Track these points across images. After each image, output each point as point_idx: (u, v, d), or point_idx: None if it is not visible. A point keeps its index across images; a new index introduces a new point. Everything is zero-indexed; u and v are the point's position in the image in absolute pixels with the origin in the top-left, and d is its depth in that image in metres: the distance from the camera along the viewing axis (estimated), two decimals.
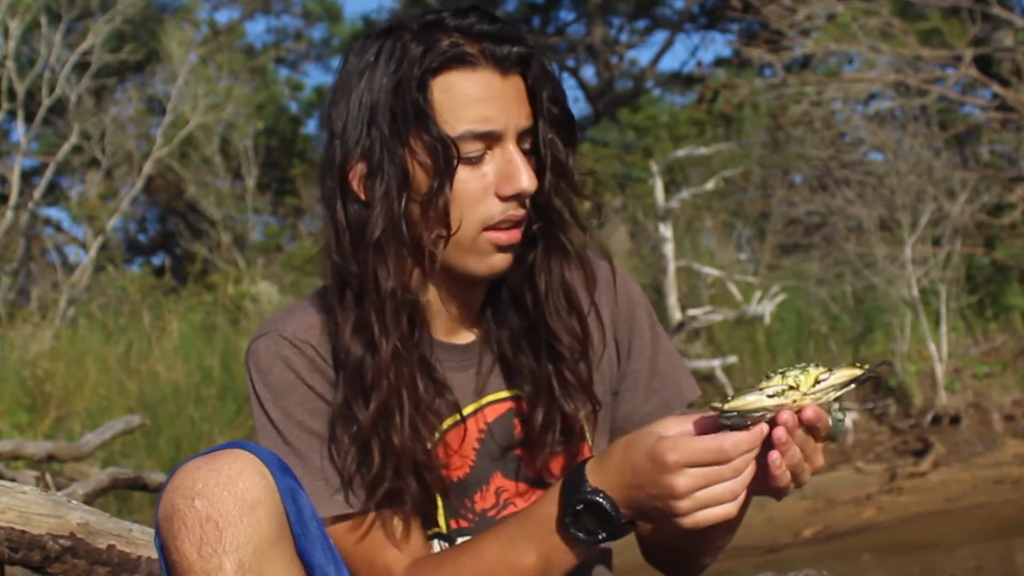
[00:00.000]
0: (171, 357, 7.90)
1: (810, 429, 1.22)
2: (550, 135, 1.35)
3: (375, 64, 1.32)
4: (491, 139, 1.32)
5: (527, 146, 1.35)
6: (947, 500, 6.30)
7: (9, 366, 7.77)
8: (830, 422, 1.24)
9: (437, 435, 1.39)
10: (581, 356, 1.40)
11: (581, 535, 1.24)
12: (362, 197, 1.33)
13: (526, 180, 1.32)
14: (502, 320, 1.42)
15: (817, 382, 1.20)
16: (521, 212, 1.34)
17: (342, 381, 1.34)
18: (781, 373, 1.20)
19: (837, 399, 1.24)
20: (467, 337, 1.43)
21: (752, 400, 1.18)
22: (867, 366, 1.23)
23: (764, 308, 7.68)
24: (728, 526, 1.31)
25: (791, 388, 1.19)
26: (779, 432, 1.19)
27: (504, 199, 1.33)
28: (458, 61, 1.30)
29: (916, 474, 6.73)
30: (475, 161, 1.32)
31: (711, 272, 8.41)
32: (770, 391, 1.18)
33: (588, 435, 1.44)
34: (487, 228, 1.33)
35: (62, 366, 7.66)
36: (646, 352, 1.49)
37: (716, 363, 7.62)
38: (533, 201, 1.36)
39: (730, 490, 1.18)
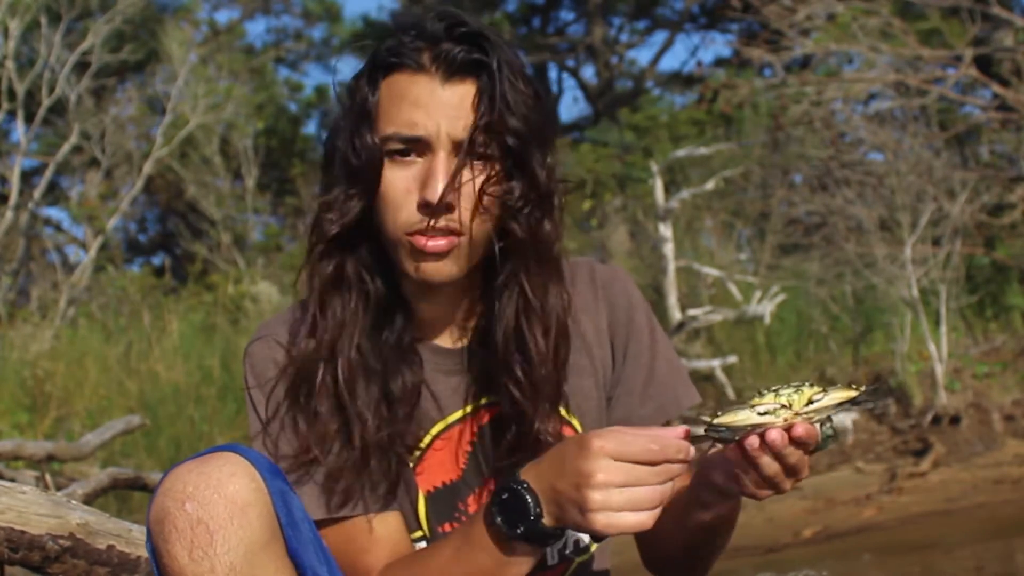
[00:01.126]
0: (171, 357, 7.90)
1: (799, 444, 1.20)
2: (490, 149, 1.32)
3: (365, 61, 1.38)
4: (420, 145, 1.32)
5: (477, 159, 1.32)
6: (947, 500, 6.30)
7: (9, 366, 7.77)
8: (819, 438, 1.22)
9: (428, 439, 1.40)
10: (548, 370, 1.38)
11: (503, 526, 1.22)
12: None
13: (434, 191, 1.30)
14: (493, 324, 1.41)
15: (811, 402, 1.18)
16: (443, 224, 1.32)
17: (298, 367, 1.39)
18: (775, 391, 1.18)
19: (828, 417, 1.22)
20: (458, 342, 1.44)
21: (742, 416, 1.17)
22: (863, 388, 1.21)
23: (764, 308, 7.67)
24: (725, 528, 1.31)
25: (783, 407, 1.17)
26: (752, 440, 1.18)
27: (418, 207, 1.32)
28: (406, 64, 1.32)
29: (916, 474, 6.72)
30: (405, 165, 1.33)
31: (711, 272, 8.41)
32: (761, 409, 1.17)
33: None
34: (408, 233, 1.33)
35: (62, 366, 7.66)
36: (644, 357, 1.48)
37: (716, 363, 7.62)
38: (514, 215, 1.34)
39: (648, 497, 1.15)
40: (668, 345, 1.52)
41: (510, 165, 1.33)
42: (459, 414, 1.42)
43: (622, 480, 1.14)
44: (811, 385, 1.20)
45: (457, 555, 1.27)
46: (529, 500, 1.20)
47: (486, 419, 1.43)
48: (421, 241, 1.32)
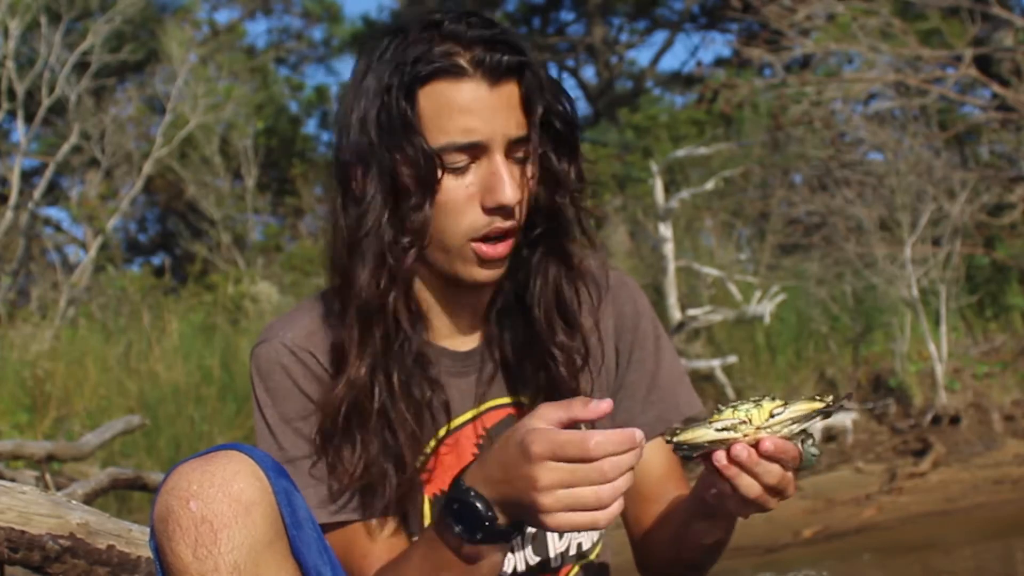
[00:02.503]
0: (171, 357, 7.90)
1: (774, 460, 1.18)
2: (543, 146, 1.34)
3: (374, 67, 1.32)
4: (476, 150, 1.31)
5: (521, 155, 1.33)
6: (947, 500, 6.30)
7: (9, 366, 7.77)
8: (802, 454, 1.21)
9: (433, 442, 1.40)
10: (571, 368, 1.39)
11: (463, 535, 1.22)
12: (358, 196, 1.34)
13: (507, 193, 1.31)
14: (505, 325, 1.42)
15: (772, 415, 1.17)
16: (508, 224, 1.33)
17: (340, 383, 1.35)
18: (733, 407, 1.17)
19: (804, 431, 1.19)
20: (469, 343, 1.43)
21: (700, 433, 1.16)
22: (829, 399, 1.18)
23: (764, 308, 7.67)
24: (718, 530, 1.31)
25: (743, 423, 1.16)
26: (719, 455, 1.17)
27: (487, 211, 1.32)
28: (446, 70, 1.29)
29: (916, 474, 6.72)
30: (461, 171, 1.31)
31: (711, 272, 8.40)
32: (719, 425, 1.16)
33: None
34: (473, 239, 1.33)
35: (62, 366, 7.66)
36: (648, 364, 1.49)
37: (716, 363, 7.62)
38: (536, 209, 1.36)
39: (595, 495, 1.13)
40: (672, 353, 1.52)
41: (563, 151, 1.36)
42: (468, 416, 1.42)
43: (567, 481, 1.13)
44: (772, 399, 1.18)
45: (426, 561, 1.27)
46: (480, 507, 1.20)
47: (493, 420, 1.43)
48: (486, 249, 1.33)
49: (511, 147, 1.32)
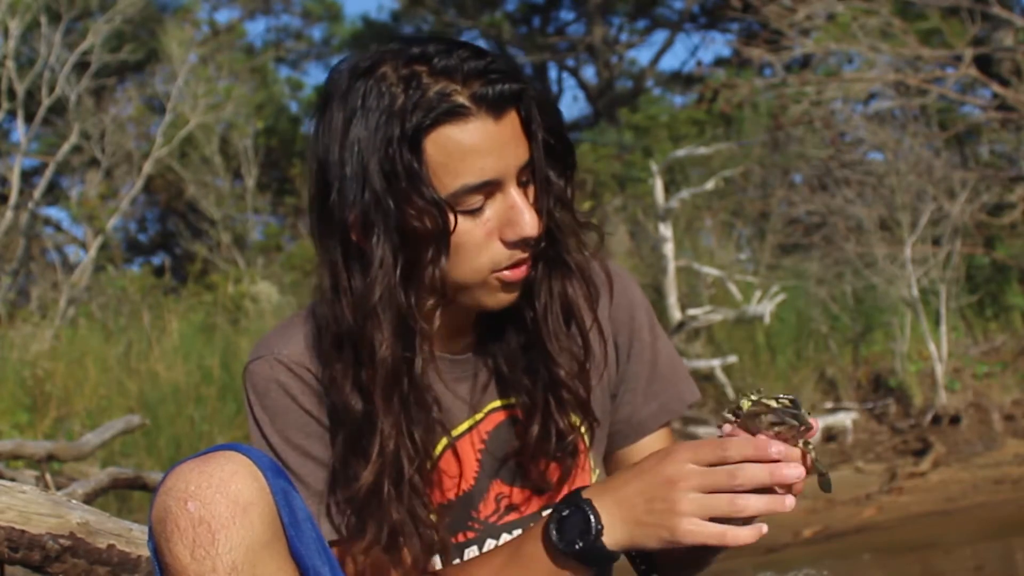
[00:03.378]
0: (171, 357, 7.90)
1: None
2: (547, 168, 1.32)
3: (361, 111, 1.25)
4: (491, 187, 1.28)
5: (525, 179, 1.31)
6: (947, 500, 6.30)
7: (9, 366, 7.77)
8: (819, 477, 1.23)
9: (438, 451, 1.39)
10: (579, 375, 1.39)
11: (559, 543, 1.23)
12: (362, 253, 1.28)
13: (529, 226, 1.28)
14: (498, 334, 1.41)
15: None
16: (527, 253, 1.32)
17: (341, 439, 1.32)
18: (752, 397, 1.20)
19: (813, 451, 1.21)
20: (463, 349, 1.42)
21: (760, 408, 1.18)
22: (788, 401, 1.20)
23: (764, 308, 7.67)
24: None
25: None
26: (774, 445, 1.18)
27: (509, 244, 1.30)
28: (449, 114, 1.24)
29: (916, 474, 6.73)
30: (476, 211, 1.28)
31: (711, 272, 8.40)
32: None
33: (585, 441, 1.44)
34: (495, 271, 1.31)
35: (62, 366, 7.66)
36: (646, 354, 1.48)
37: (716, 363, 7.62)
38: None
39: (731, 503, 1.17)
40: (668, 342, 1.52)
41: (560, 167, 1.34)
42: (469, 423, 1.42)
43: (705, 484, 1.17)
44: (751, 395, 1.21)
45: (504, 571, 1.28)
46: (592, 517, 1.22)
47: (493, 424, 1.43)
48: (509, 275, 1.31)
49: (519, 174, 1.30)
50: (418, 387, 1.32)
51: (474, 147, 1.25)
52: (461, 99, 1.25)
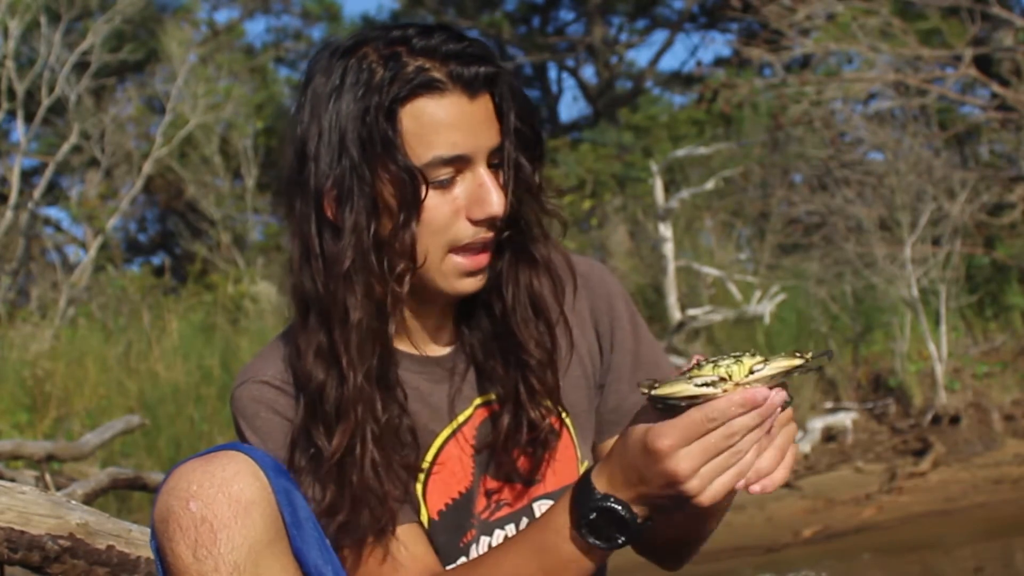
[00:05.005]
0: (171, 357, 7.90)
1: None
2: (515, 154, 1.34)
3: (341, 87, 1.30)
4: (461, 163, 1.31)
5: (496, 161, 1.34)
6: (947, 500, 6.30)
7: (9, 366, 7.77)
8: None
9: (432, 454, 1.39)
10: (548, 364, 1.40)
11: (599, 543, 1.24)
12: (334, 222, 1.31)
13: (496, 204, 1.31)
14: (474, 325, 1.42)
15: (751, 372, 1.16)
16: (491, 234, 1.34)
17: (302, 407, 1.33)
18: (713, 362, 1.17)
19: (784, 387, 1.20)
20: (441, 349, 1.43)
21: (679, 388, 1.16)
22: (808, 355, 1.18)
23: (764, 308, 7.68)
24: (718, 508, 1.31)
25: (723, 379, 1.16)
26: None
27: (475, 222, 1.32)
28: (426, 87, 1.29)
29: (916, 474, 6.73)
30: (445, 185, 1.31)
31: (711, 272, 8.41)
32: (699, 380, 1.16)
33: (571, 432, 1.45)
34: (453, 249, 1.33)
35: (62, 366, 7.66)
36: (628, 343, 1.49)
37: None
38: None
39: (735, 454, 1.17)
40: (646, 328, 1.53)
41: (530, 155, 1.36)
42: (460, 419, 1.42)
43: (704, 458, 1.16)
44: (752, 355, 1.17)
45: (518, 571, 1.29)
46: (624, 514, 1.22)
47: (481, 419, 1.43)
48: (467, 262, 1.33)
49: (489, 156, 1.33)
50: (389, 353, 1.34)
51: (447, 121, 1.30)
52: (438, 75, 1.29)
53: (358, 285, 1.30)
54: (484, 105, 1.32)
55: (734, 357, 1.17)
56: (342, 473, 1.31)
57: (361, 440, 1.31)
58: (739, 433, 1.16)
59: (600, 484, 1.24)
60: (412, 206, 1.29)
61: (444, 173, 1.30)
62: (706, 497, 1.18)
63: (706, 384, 1.16)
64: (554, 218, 1.40)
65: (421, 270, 1.33)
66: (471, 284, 1.35)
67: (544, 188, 1.38)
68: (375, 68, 1.30)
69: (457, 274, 1.34)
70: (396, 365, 1.36)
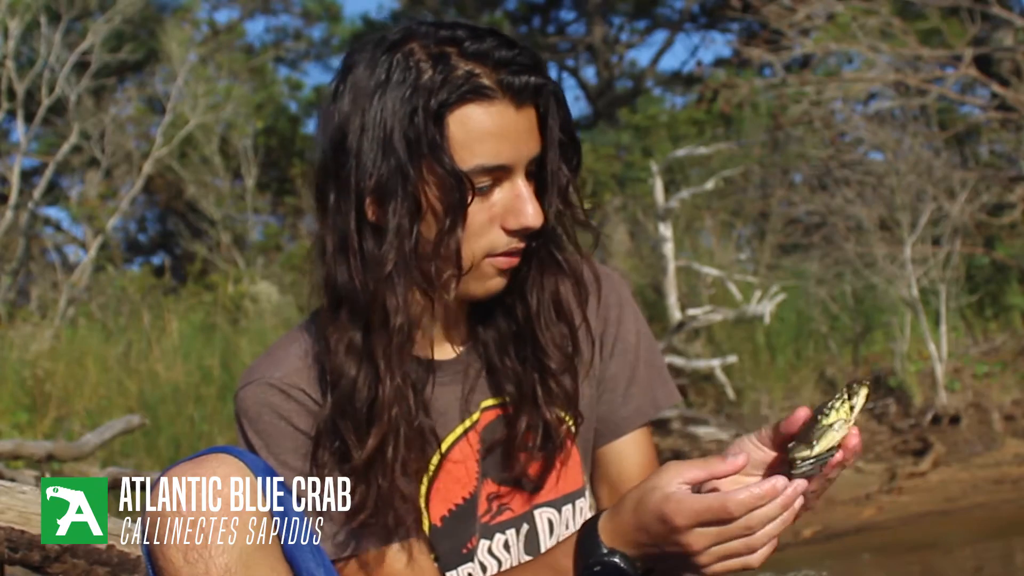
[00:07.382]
0: (171, 357, 7.90)
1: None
2: (557, 164, 1.33)
3: (387, 83, 1.27)
4: (501, 172, 1.30)
5: (532, 169, 1.33)
6: (947, 500, 6.30)
7: (9, 366, 7.76)
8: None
9: (437, 458, 1.39)
10: (568, 369, 1.40)
11: None
12: (375, 222, 1.29)
13: (532, 216, 1.30)
14: (488, 326, 1.41)
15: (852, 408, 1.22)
16: (523, 244, 1.34)
17: (331, 402, 1.31)
18: (834, 408, 1.21)
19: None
20: (453, 351, 1.42)
21: (829, 438, 1.19)
22: (861, 382, 1.23)
23: (764, 308, 7.67)
24: None
25: (844, 422, 1.20)
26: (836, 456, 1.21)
27: (509, 232, 1.31)
28: (475, 93, 1.27)
29: (916, 474, 6.73)
30: (484, 192, 1.30)
31: (711, 272, 8.40)
32: (836, 430, 1.20)
33: (576, 440, 1.45)
34: (490, 255, 1.32)
35: (62, 366, 7.66)
36: (629, 356, 1.49)
37: (716, 363, 7.62)
38: None
39: (746, 545, 1.19)
40: (653, 345, 1.52)
41: (569, 165, 1.35)
42: (467, 424, 1.41)
43: (718, 539, 1.19)
44: (853, 388, 1.22)
45: None
46: (628, 569, 1.23)
47: (487, 422, 1.42)
48: (502, 261, 1.33)
49: (528, 165, 1.32)
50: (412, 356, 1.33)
51: (493, 130, 1.28)
52: (487, 82, 1.27)
53: (400, 287, 1.29)
54: (528, 115, 1.31)
55: (839, 398, 1.21)
56: (370, 473, 1.30)
57: (394, 442, 1.30)
58: (759, 524, 1.18)
59: (606, 537, 1.25)
60: (458, 211, 1.28)
61: (484, 181, 1.29)
62: (713, 571, 1.21)
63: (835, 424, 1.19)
64: (586, 229, 1.39)
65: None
66: (499, 284, 1.35)
67: (580, 198, 1.38)
68: (423, 67, 1.27)
69: (491, 274, 1.34)
70: (418, 359, 1.36)
